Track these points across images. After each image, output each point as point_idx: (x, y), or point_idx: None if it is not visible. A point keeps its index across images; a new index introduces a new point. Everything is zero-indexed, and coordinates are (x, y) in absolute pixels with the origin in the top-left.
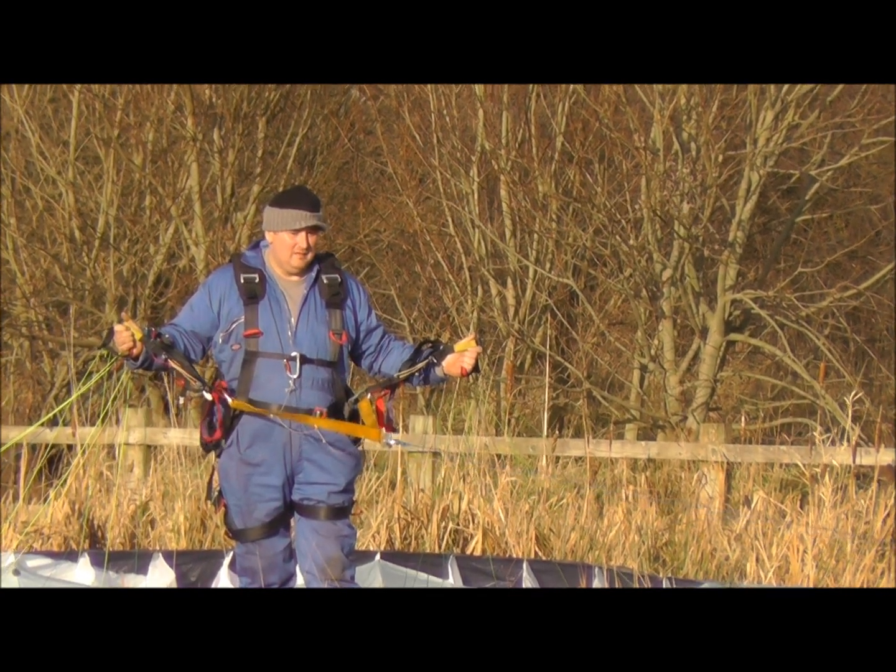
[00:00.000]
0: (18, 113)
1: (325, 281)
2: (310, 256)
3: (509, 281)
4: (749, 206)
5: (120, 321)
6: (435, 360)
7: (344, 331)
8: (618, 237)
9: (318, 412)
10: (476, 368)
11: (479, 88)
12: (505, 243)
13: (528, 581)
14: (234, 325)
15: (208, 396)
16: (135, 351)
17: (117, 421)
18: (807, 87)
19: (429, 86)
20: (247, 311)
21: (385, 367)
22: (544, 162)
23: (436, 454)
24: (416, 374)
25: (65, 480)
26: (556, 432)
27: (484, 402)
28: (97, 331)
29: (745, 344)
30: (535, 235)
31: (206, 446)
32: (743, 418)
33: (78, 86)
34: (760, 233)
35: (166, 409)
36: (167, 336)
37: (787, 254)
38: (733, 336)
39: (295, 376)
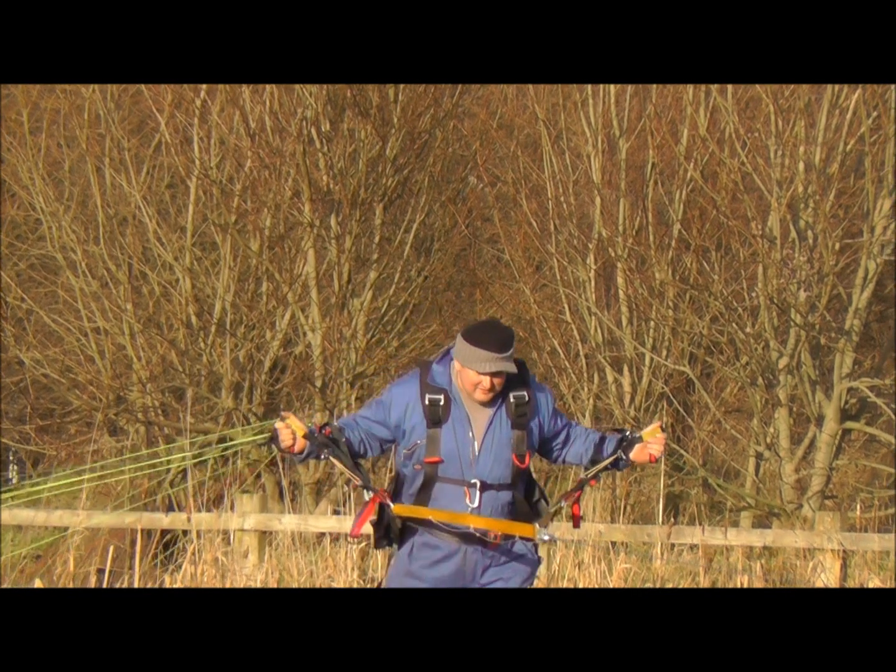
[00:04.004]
0: (136, 198)
1: (512, 400)
2: (495, 391)
3: (625, 368)
4: (866, 295)
5: (281, 419)
6: (623, 455)
7: (528, 451)
8: (734, 325)
9: (493, 536)
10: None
11: (596, 175)
12: (621, 330)
13: None
14: (416, 446)
15: (366, 496)
16: (295, 447)
17: (232, 507)
18: None
19: (546, 172)
20: (429, 435)
21: (569, 457)
22: (661, 249)
23: (551, 541)
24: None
25: (180, 566)
26: (671, 520)
27: (598, 490)
28: (213, 416)
29: (861, 432)
30: (652, 323)
31: (353, 538)
32: (859, 506)
33: (196, 171)
34: (877, 321)
35: (281, 496)
36: (338, 428)
37: None
38: (849, 424)
39: (474, 505)
